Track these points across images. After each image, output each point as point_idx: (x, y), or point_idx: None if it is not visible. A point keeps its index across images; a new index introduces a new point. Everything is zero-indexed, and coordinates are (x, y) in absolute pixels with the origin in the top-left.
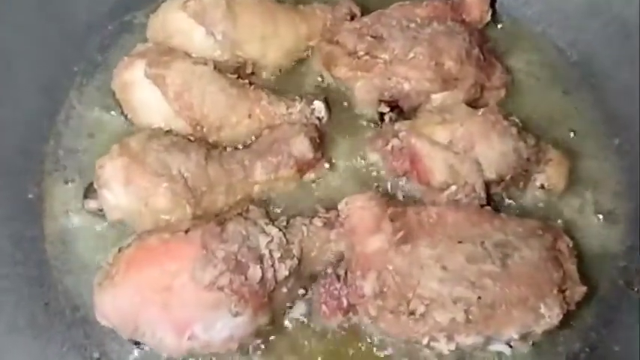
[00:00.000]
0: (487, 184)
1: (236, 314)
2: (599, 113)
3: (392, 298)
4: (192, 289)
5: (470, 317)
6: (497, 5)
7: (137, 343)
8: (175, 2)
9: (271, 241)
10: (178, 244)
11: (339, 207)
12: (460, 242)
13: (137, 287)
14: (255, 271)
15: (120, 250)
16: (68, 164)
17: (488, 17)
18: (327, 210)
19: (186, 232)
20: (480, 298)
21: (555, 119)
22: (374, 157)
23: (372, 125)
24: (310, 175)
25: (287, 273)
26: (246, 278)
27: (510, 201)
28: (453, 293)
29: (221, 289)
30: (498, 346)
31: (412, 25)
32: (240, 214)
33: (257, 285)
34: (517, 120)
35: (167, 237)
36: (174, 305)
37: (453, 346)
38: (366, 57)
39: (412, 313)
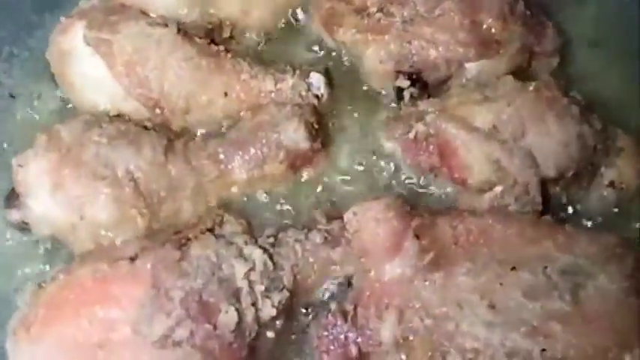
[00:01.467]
0: (543, 184)
1: None
2: None
3: (420, 348)
4: (137, 346)
5: None
6: None
7: None
8: None
9: (252, 268)
10: (119, 280)
11: (346, 218)
12: (514, 269)
13: (62, 343)
14: (228, 316)
15: (40, 286)
16: None
17: None
18: (330, 220)
19: (132, 260)
20: (544, 350)
21: (627, 95)
22: (391, 148)
23: (389, 106)
24: (306, 173)
25: (274, 313)
26: (215, 327)
27: (572, 202)
28: (507, 343)
29: (178, 344)
30: None
31: None
32: (210, 230)
33: (231, 334)
34: (578, 97)
35: (104, 269)
36: None
37: None
38: (380, 15)
39: None
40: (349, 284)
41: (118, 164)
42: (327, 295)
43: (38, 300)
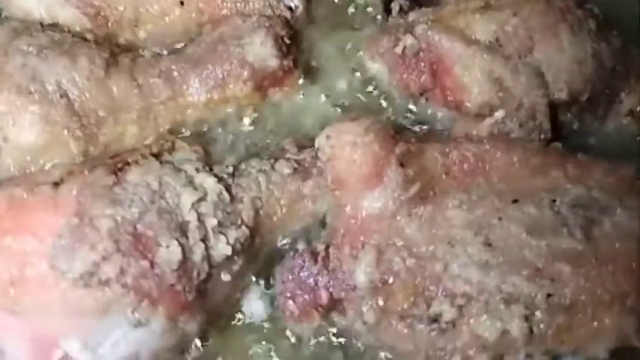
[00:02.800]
0: (553, 109)
1: (137, 323)
2: None
3: (402, 293)
4: (55, 283)
5: (533, 328)
6: None
7: None
8: None
9: (203, 199)
10: (38, 207)
11: (318, 143)
12: (515, 201)
13: None
14: (169, 252)
15: None
16: None
17: None
18: (300, 149)
19: (56, 185)
20: (550, 295)
21: None
22: (375, 66)
23: (375, 18)
24: (275, 96)
25: (229, 252)
26: (152, 264)
27: (585, 131)
28: (505, 287)
29: (105, 283)
30: None
31: None
32: (155, 156)
33: (173, 274)
34: (596, 10)
35: (21, 195)
36: (30, 309)
37: None
38: None
39: (435, 320)
40: (321, 221)
41: (49, 78)
42: (295, 235)
43: None
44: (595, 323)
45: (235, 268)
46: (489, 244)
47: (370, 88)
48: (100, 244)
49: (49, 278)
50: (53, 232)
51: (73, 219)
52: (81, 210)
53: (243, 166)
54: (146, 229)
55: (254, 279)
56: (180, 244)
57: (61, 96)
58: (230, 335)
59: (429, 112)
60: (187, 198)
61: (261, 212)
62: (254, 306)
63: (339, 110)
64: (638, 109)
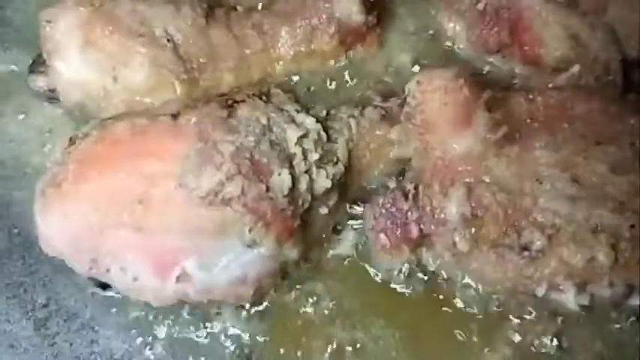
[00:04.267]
0: (625, 65)
1: (251, 243)
2: None
3: (493, 224)
4: (182, 202)
5: (618, 256)
6: None
7: (103, 286)
8: None
9: (306, 135)
10: (161, 134)
11: (408, 88)
12: (599, 143)
13: (96, 199)
14: (282, 179)
15: (72, 141)
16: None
17: None
18: (386, 98)
19: (174, 116)
20: (633, 226)
21: None
22: (453, 25)
23: None
24: (359, 51)
25: (329, 184)
26: (267, 188)
27: None
28: (592, 219)
29: (227, 202)
30: None
31: None
32: (257, 96)
33: (284, 200)
34: None
35: (143, 123)
36: (154, 228)
37: (586, 300)
38: None
39: (525, 248)
40: (409, 164)
41: (156, 23)
42: (383, 176)
43: (69, 156)
44: None
45: (331, 203)
46: (576, 180)
47: (449, 46)
48: (225, 165)
49: (176, 197)
50: (178, 156)
51: (197, 143)
52: (203, 136)
53: (334, 111)
54: (261, 157)
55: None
56: (290, 173)
57: (168, 40)
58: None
59: (507, 68)
60: (292, 133)
61: (353, 153)
62: (347, 239)
63: (418, 66)
64: None
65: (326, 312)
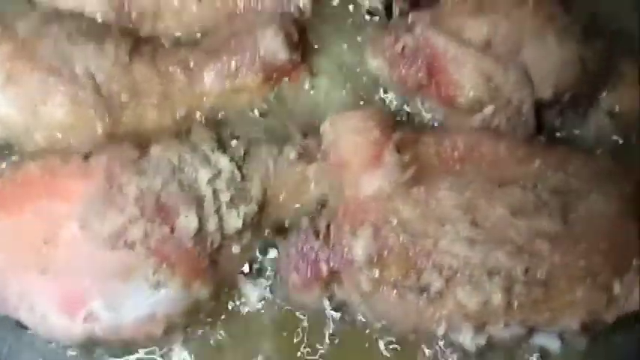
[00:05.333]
0: (538, 107)
1: (157, 285)
2: None
3: (395, 266)
4: (87, 244)
5: (512, 299)
6: None
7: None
8: None
9: (217, 176)
10: (70, 175)
11: (322, 129)
12: (501, 185)
13: (3, 239)
14: (188, 221)
15: None
16: None
17: None
18: (306, 136)
19: (86, 156)
20: (528, 270)
21: (632, 20)
22: (376, 64)
23: (376, 19)
24: (285, 87)
25: (240, 224)
26: (172, 231)
27: (567, 129)
28: (489, 262)
29: (131, 245)
30: (545, 340)
31: None
32: (176, 134)
33: (190, 241)
34: (582, 14)
35: (55, 164)
36: (60, 269)
37: (482, 340)
38: None
39: (425, 289)
40: (324, 201)
41: (77, 61)
42: (299, 212)
43: None
44: (568, 297)
45: (244, 241)
46: (476, 223)
47: (371, 84)
48: (128, 208)
49: (80, 239)
50: (84, 197)
51: (103, 184)
52: (110, 177)
53: (253, 149)
54: (168, 199)
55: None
56: (197, 215)
57: (89, 78)
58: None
59: (425, 106)
60: (204, 174)
61: (268, 191)
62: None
63: (341, 104)
64: (616, 109)
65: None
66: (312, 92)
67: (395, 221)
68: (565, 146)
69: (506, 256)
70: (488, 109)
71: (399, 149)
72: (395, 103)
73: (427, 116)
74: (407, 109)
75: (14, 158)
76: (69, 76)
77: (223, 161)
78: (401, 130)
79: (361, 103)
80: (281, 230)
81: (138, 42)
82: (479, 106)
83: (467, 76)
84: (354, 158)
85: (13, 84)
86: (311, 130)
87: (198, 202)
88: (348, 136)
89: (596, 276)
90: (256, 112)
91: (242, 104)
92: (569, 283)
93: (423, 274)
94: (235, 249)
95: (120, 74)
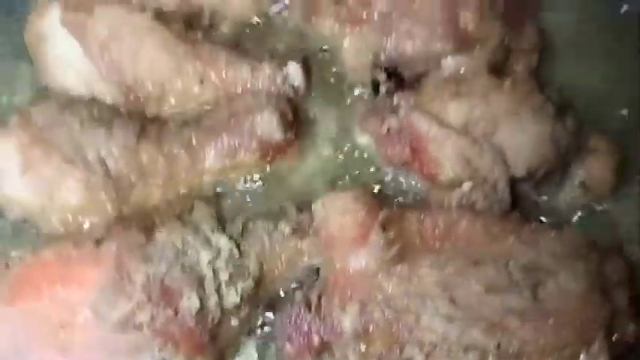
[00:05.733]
0: (512, 183)
1: None
2: None
3: (380, 340)
4: (99, 328)
5: None
6: None
7: None
8: None
9: (217, 256)
10: (83, 262)
11: (314, 208)
12: (477, 264)
13: (25, 321)
14: (190, 302)
15: (7, 265)
16: None
17: None
18: (299, 211)
19: (98, 242)
20: (499, 345)
21: (601, 94)
22: (364, 140)
23: (365, 97)
24: (280, 164)
25: (238, 300)
26: (176, 312)
27: (541, 201)
28: (465, 338)
29: (139, 328)
30: None
31: None
32: (178, 216)
33: (192, 320)
34: (554, 96)
35: (69, 252)
36: (76, 350)
37: None
38: (358, 5)
39: None
40: (315, 275)
41: (90, 148)
42: (293, 285)
43: (4, 279)
44: None
45: (242, 314)
46: (453, 301)
47: (360, 159)
48: (136, 295)
49: (93, 323)
50: (96, 284)
51: (113, 273)
52: (119, 266)
53: (250, 225)
54: (172, 283)
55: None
56: (199, 296)
57: (100, 164)
58: None
59: (409, 182)
60: (205, 256)
61: (264, 266)
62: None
63: (333, 177)
64: (587, 182)
65: None
66: (303, 167)
67: (380, 297)
68: (536, 223)
69: (481, 332)
70: (466, 186)
71: (384, 227)
72: (382, 175)
73: (412, 188)
74: (393, 180)
75: (31, 238)
76: (82, 163)
77: (223, 241)
78: (386, 207)
79: (350, 177)
80: (276, 299)
81: (144, 124)
82: (458, 182)
83: (446, 156)
84: (344, 237)
85: (31, 171)
86: (303, 206)
87: (200, 283)
88: (338, 216)
89: (564, 349)
90: (253, 186)
91: (239, 179)
92: (538, 356)
93: (406, 349)
94: (234, 322)
95: (128, 157)
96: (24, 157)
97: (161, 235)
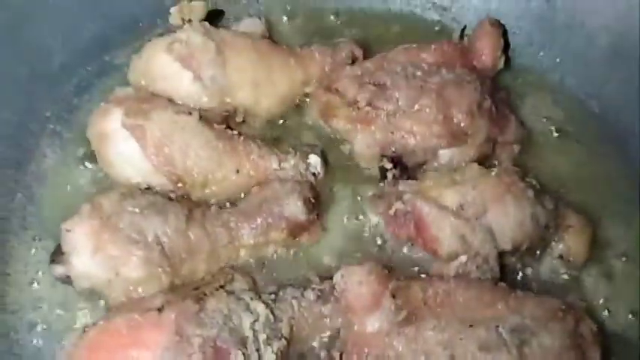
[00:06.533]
0: (500, 255)
1: None
2: (626, 172)
3: None
4: None
5: None
6: (510, 51)
7: None
8: (160, 43)
9: (257, 320)
10: (148, 329)
11: (335, 279)
12: (472, 326)
13: None
14: (236, 359)
15: (84, 330)
16: (36, 222)
17: (501, 64)
18: (322, 279)
19: (160, 310)
20: None
21: (575, 179)
22: (375, 218)
23: (375, 183)
24: (305, 240)
25: (274, 358)
26: None
27: (525, 270)
28: None
29: None
30: None
31: (418, 72)
32: (222, 287)
33: None
34: (534, 181)
35: (137, 319)
36: None
37: None
38: (368, 108)
39: None
40: (337, 333)
41: (148, 231)
42: (318, 344)
43: (82, 342)
44: None
45: None
46: (453, 358)
47: (371, 234)
48: (194, 355)
49: None
50: (161, 346)
51: (174, 337)
52: (179, 330)
53: (281, 292)
54: (222, 344)
55: None
56: (243, 354)
57: (157, 244)
58: None
59: (414, 255)
60: (247, 320)
61: (294, 328)
62: None
63: (349, 250)
64: (565, 254)
65: None
66: (325, 242)
67: (392, 354)
68: (522, 289)
69: None
70: (462, 259)
71: (394, 295)
72: (391, 249)
73: (416, 260)
74: (400, 254)
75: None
76: (143, 244)
77: (260, 307)
78: (395, 278)
79: (364, 251)
80: (304, 356)
81: (191, 207)
82: (455, 256)
83: (444, 234)
84: (360, 303)
85: (101, 252)
86: (326, 274)
87: (243, 343)
88: (355, 286)
89: None
90: (282, 258)
91: (270, 252)
92: None
93: None
94: None
95: (179, 238)
96: (94, 240)
97: (211, 304)
